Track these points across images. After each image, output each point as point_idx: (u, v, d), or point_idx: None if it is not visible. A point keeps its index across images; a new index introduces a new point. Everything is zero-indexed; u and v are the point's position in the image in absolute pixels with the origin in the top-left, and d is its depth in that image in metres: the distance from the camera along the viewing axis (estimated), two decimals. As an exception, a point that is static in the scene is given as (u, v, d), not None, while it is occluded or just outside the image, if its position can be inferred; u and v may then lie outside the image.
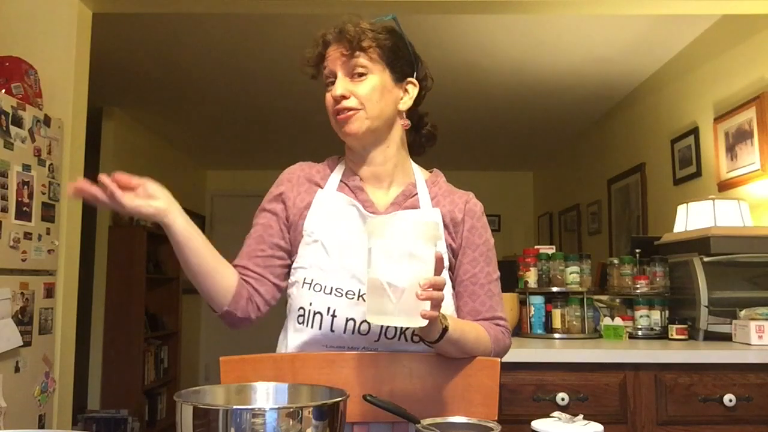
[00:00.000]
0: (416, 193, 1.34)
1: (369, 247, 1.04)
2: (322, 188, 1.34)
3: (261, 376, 1.20)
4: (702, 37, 3.54)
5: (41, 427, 2.48)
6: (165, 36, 3.75)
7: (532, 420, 0.99)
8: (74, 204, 2.81)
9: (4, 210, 2.31)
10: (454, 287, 1.33)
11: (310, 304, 1.24)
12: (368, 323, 1.22)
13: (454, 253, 1.33)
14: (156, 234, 5.44)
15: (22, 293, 2.40)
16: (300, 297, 1.27)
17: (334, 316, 1.23)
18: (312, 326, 1.24)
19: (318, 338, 1.24)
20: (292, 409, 0.82)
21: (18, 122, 2.39)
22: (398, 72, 1.31)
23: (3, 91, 2.43)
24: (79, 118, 2.83)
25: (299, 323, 1.26)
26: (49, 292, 2.58)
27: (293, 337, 1.27)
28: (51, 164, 2.59)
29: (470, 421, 0.98)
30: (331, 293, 1.24)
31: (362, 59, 1.27)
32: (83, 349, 4.31)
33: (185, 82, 4.52)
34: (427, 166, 1.42)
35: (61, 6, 2.78)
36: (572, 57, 3.97)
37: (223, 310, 1.26)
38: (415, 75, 1.34)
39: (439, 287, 1.03)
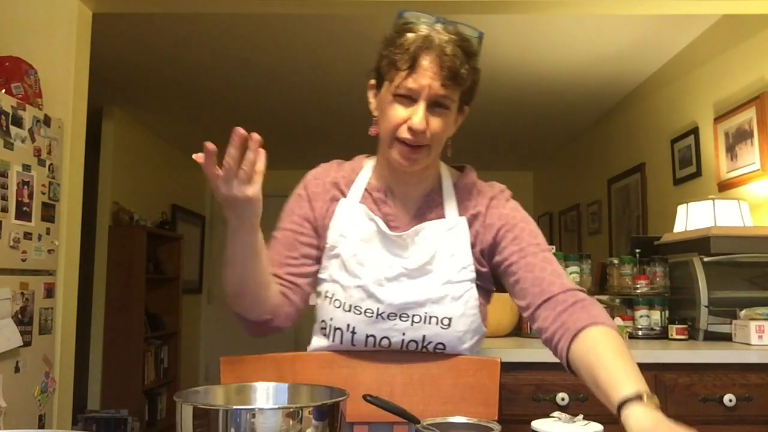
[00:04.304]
0: (442, 201, 1.29)
1: None
2: (345, 197, 1.28)
3: (261, 376, 1.20)
4: (702, 37, 3.54)
5: (41, 427, 2.48)
6: (165, 36, 3.75)
7: (532, 420, 1.00)
8: (74, 204, 2.81)
9: (4, 210, 2.31)
10: (501, 279, 1.26)
11: (331, 319, 1.24)
12: (389, 339, 1.22)
13: (483, 253, 1.27)
14: (156, 234, 5.44)
15: (22, 293, 2.40)
16: (322, 309, 1.27)
17: (353, 332, 1.23)
18: (333, 340, 1.25)
19: (340, 348, 1.26)
20: (292, 409, 0.82)
21: (18, 122, 2.39)
22: (463, 103, 1.23)
23: (3, 91, 2.42)
24: (79, 118, 2.83)
25: (322, 334, 1.28)
26: (49, 292, 2.58)
27: (316, 340, 1.30)
28: (51, 164, 2.59)
29: (470, 421, 0.98)
30: (350, 311, 1.22)
31: (449, 95, 1.16)
32: (83, 349, 4.31)
33: (185, 82, 4.52)
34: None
35: (61, 6, 2.77)
36: (572, 57, 3.97)
37: (263, 318, 1.21)
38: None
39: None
